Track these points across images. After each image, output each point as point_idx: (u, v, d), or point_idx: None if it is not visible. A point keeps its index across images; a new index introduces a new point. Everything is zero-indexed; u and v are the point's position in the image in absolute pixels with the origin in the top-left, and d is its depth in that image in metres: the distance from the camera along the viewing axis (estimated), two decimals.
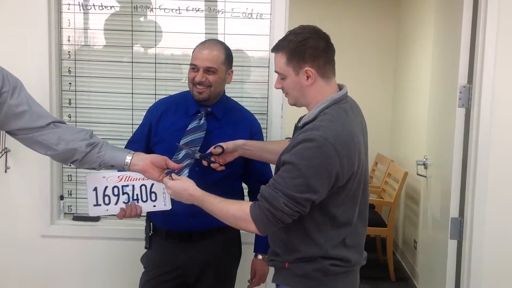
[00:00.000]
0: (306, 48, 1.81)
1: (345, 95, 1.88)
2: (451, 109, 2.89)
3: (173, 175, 2.01)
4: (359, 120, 1.91)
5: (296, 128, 1.93)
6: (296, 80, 1.85)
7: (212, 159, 2.17)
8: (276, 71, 1.91)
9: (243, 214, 1.83)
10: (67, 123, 2.11)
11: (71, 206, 3.03)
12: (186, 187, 1.94)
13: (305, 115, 1.89)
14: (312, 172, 1.73)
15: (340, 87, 1.92)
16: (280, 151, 1.87)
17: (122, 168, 2.06)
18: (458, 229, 2.86)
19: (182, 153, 2.16)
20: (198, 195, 1.92)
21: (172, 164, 2.08)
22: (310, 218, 1.83)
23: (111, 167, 2.08)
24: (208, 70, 2.24)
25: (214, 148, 2.16)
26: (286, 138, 1.97)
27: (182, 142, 2.22)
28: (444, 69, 3.15)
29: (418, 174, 3.53)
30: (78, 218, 2.99)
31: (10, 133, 2.01)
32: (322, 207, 1.81)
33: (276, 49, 1.88)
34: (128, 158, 2.05)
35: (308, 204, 1.77)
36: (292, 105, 1.96)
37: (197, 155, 2.15)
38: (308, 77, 1.83)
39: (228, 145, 2.17)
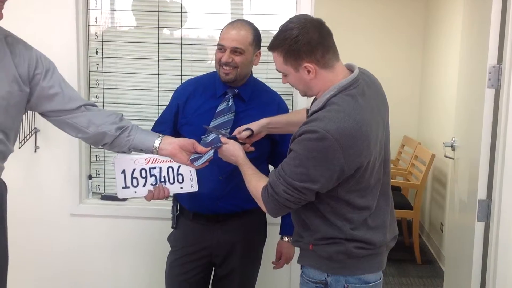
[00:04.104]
0: (299, 46, 1.77)
1: (354, 80, 1.81)
2: (480, 90, 2.84)
3: (222, 137, 2.08)
4: (373, 103, 1.84)
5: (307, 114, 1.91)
6: (298, 76, 1.83)
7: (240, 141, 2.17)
8: (277, 70, 1.89)
9: (257, 194, 1.90)
10: (97, 105, 2.13)
11: (99, 185, 3.08)
12: (234, 153, 2.04)
13: (316, 99, 1.87)
14: (312, 163, 1.73)
15: (351, 68, 1.87)
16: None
17: (151, 152, 2.08)
18: (486, 211, 2.83)
19: (212, 136, 2.15)
20: (239, 162, 2.02)
21: (200, 148, 2.08)
22: (324, 203, 1.84)
23: (140, 151, 2.10)
24: (235, 51, 2.22)
25: (243, 131, 2.14)
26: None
27: (212, 124, 2.22)
28: (473, 49, 3.10)
29: (445, 156, 3.49)
30: (106, 197, 3.04)
31: (42, 114, 2.04)
32: (334, 194, 1.81)
33: (271, 48, 1.86)
34: (157, 143, 2.06)
35: (310, 193, 1.78)
36: (303, 96, 1.96)
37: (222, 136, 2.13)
38: (309, 72, 1.80)
39: (252, 126, 2.17)
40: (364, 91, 1.82)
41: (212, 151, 2.07)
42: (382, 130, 1.86)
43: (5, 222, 2.11)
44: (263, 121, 2.19)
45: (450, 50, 4.62)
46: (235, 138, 2.14)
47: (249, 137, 2.16)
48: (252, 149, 2.16)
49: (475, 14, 3.09)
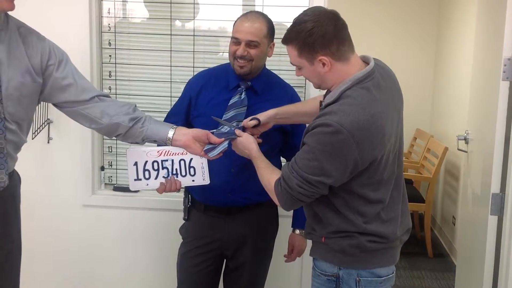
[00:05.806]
0: (314, 39, 1.74)
1: (369, 72, 1.78)
2: (494, 82, 2.81)
3: (236, 130, 2.08)
4: (388, 95, 1.82)
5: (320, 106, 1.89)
6: (313, 69, 1.81)
7: (248, 132, 2.16)
8: (291, 63, 1.87)
9: (270, 187, 1.89)
10: (111, 96, 2.13)
11: (111, 177, 3.09)
12: (247, 146, 2.03)
13: (329, 91, 1.86)
14: (326, 157, 1.72)
15: (366, 61, 1.85)
16: (313, 111, 1.84)
17: (164, 143, 2.08)
18: (499, 205, 2.80)
19: (226, 127, 2.14)
20: (253, 155, 2.01)
21: (214, 138, 2.07)
22: (338, 196, 1.83)
23: (154, 141, 2.10)
24: (250, 44, 2.20)
25: (250, 120, 2.13)
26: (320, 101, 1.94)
27: (224, 117, 2.21)
28: (488, 41, 3.06)
29: (458, 149, 3.46)
30: (118, 188, 3.05)
31: (56, 105, 2.05)
32: (347, 187, 1.80)
33: (285, 41, 1.84)
34: (170, 133, 2.07)
35: (323, 186, 1.77)
36: (317, 88, 1.94)
37: (233, 128, 2.12)
38: (324, 65, 1.77)
39: (259, 116, 2.15)
40: (379, 83, 1.79)
41: (227, 142, 2.07)
42: (396, 123, 1.84)
43: (18, 212, 2.12)
44: (271, 111, 2.17)
45: (464, 42, 4.58)
46: (243, 129, 2.13)
47: (255, 127, 2.14)
48: (259, 140, 2.14)
49: (490, 5, 3.05)
